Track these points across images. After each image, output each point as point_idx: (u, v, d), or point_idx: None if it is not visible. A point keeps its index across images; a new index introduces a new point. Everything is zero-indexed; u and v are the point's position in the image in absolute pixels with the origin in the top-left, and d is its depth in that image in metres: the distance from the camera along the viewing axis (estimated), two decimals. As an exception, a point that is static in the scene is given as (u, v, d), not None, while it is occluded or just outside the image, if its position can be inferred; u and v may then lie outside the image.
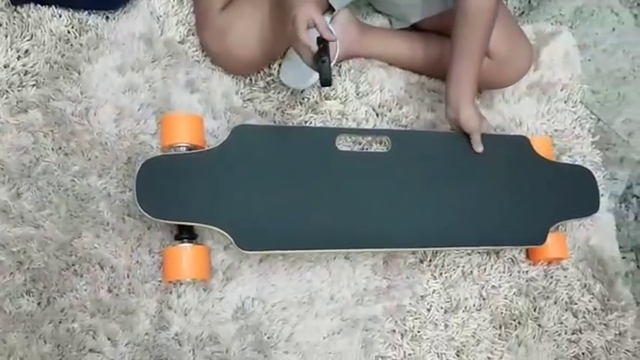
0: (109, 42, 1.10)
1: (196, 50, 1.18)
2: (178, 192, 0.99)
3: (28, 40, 1.05)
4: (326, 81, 0.97)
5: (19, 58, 1.05)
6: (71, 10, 1.09)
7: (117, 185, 1.05)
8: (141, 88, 1.11)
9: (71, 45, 1.08)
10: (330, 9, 1.23)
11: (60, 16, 1.08)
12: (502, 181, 1.20)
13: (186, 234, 1.02)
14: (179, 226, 1.03)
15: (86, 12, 1.10)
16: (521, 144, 1.24)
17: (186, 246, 1.01)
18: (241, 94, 1.19)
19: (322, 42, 0.98)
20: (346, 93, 1.25)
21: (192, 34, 1.18)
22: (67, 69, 1.07)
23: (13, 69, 1.03)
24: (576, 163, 1.35)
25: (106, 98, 1.08)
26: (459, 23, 1.10)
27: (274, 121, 1.20)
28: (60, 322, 0.95)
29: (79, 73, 1.07)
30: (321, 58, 0.96)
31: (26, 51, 1.05)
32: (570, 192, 1.26)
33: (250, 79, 1.20)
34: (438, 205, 1.14)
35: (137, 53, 1.12)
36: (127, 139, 1.07)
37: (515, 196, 1.20)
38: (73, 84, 1.06)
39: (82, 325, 0.96)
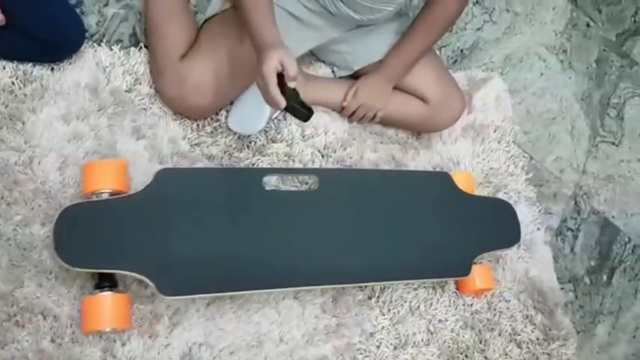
0: (54, 92, 1.08)
1: (143, 98, 1.16)
2: (97, 239, 0.95)
3: (-30, 92, 1.04)
4: (306, 117, 0.97)
5: (-39, 108, 1.03)
6: (15, 62, 1.07)
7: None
8: (86, 136, 1.09)
9: (15, 95, 1.05)
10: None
11: (4, 68, 1.06)
12: (427, 216, 1.21)
13: (107, 282, 0.96)
14: (99, 274, 0.97)
15: (31, 63, 1.08)
16: (443, 179, 1.26)
17: (106, 294, 0.95)
18: (188, 139, 1.18)
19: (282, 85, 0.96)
20: (292, 136, 1.26)
21: (140, 83, 1.17)
22: (11, 119, 1.04)
23: (-46, 120, 1.01)
24: (511, 198, 1.38)
25: (50, 147, 1.05)
26: (424, 19, 1.21)
27: (221, 165, 1.19)
28: None
29: (23, 123, 1.04)
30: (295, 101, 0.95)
31: (-32, 105, 1.03)
32: (492, 224, 1.28)
33: (197, 124, 1.19)
34: (365, 241, 1.14)
35: (82, 102, 1.10)
36: (71, 186, 1.04)
37: (440, 230, 1.21)
38: (16, 134, 1.03)
39: None
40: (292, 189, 1.18)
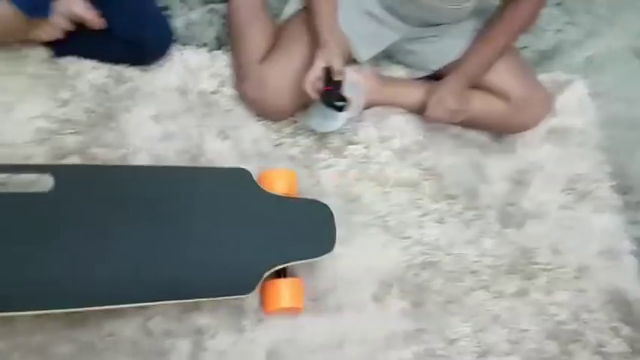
0: (145, 93, 1.12)
1: (228, 100, 1.19)
2: None
3: (68, 91, 1.07)
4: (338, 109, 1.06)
5: (58, 107, 1.06)
6: (110, 63, 1.11)
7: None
8: (175, 135, 1.12)
9: (110, 95, 1.10)
10: (353, 62, 1.26)
11: (99, 68, 1.10)
12: (209, 221, 0.98)
13: None
14: None
15: (124, 65, 1.12)
16: (241, 177, 1.05)
17: None
18: (271, 139, 1.20)
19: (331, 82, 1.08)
20: (369, 138, 1.25)
21: (224, 86, 1.19)
22: (106, 118, 1.08)
23: (53, 117, 1.05)
24: (596, 207, 1.30)
25: (142, 146, 1.08)
26: (502, 18, 1.17)
27: (305, 166, 1.21)
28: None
29: (117, 121, 1.08)
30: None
31: (66, 101, 1.07)
32: (298, 230, 1.06)
33: (278, 126, 1.21)
34: (120, 252, 0.91)
35: (172, 103, 1.14)
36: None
37: (226, 236, 0.98)
38: (110, 132, 1.07)
39: (116, 368, 0.94)
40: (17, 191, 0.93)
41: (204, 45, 1.22)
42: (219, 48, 1.23)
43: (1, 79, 1.02)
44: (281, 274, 1.03)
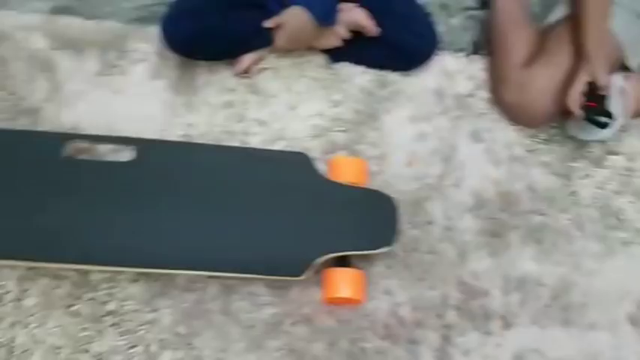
0: (405, 95, 1.18)
1: (482, 104, 1.20)
2: None
3: (339, 93, 1.18)
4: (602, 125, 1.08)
5: (331, 107, 1.17)
6: (375, 69, 1.19)
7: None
8: (430, 136, 1.16)
9: (375, 97, 1.18)
10: (623, 68, 1.19)
11: (366, 73, 1.19)
12: (270, 202, 0.99)
13: None
14: None
15: (388, 71, 1.19)
16: (300, 162, 1.03)
17: None
18: (524, 145, 1.18)
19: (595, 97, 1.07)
20: (634, 150, 1.18)
21: (480, 89, 1.21)
22: (370, 118, 1.17)
23: (327, 116, 1.17)
24: None
25: (400, 144, 1.15)
26: None
27: (556, 174, 1.17)
28: (355, 341, 1.00)
29: (380, 121, 1.16)
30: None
31: (338, 101, 1.17)
32: (359, 221, 1.01)
33: (533, 131, 1.19)
34: (184, 222, 0.97)
35: (428, 105, 1.18)
36: (417, 182, 1.12)
37: (284, 219, 0.98)
38: (374, 131, 1.16)
39: (374, 346, 1.00)
40: (101, 159, 1.04)
41: (461, 50, 1.25)
42: (475, 52, 1.25)
43: (288, 81, 1.17)
44: (342, 263, 1.00)
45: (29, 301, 0.97)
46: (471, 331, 1.03)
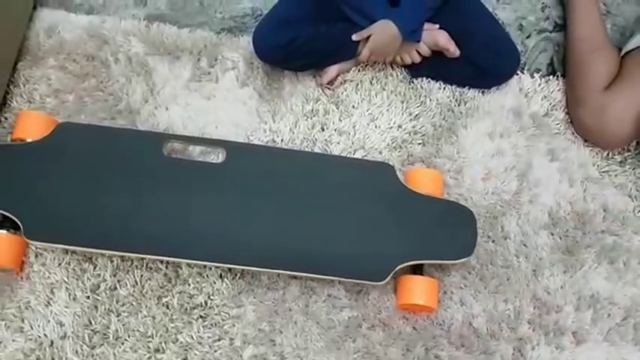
0: (483, 112, 1.20)
1: (558, 123, 1.21)
2: None
3: (418, 107, 1.21)
4: None
5: (410, 120, 1.21)
6: (454, 85, 1.22)
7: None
8: (507, 152, 1.17)
9: (453, 112, 1.20)
10: None
11: (445, 89, 1.22)
12: (354, 209, 1.03)
13: (7, 223, 1.00)
14: (3, 215, 1.00)
15: (466, 87, 1.22)
16: (384, 172, 1.07)
17: (1, 233, 0.99)
18: (598, 165, 1.19)
19: None
20: None
21: (556, 109, 1.22)
22: (448, 132, 1.19)
23: (405, 129, 1.20)
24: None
25: (477, 159, 1.16)
26: None
27: (630, 196, 1.18)
28: (430, 349, 1.03)
29: (457, 136, 1.18)
30: None
31: (417, 115, 1.21)
32: (439, 231, 1.04)
33: (607, 153, 1.19)
34: (270, 224, 1.01)
35: (506, 123, 1.20)
36: (493, 197, 1.14)
37: (367, 227, 1.02)
38: (451, 145, 1.17)
39: (448, 354, 1.02)
40: (195, 159, 1.10)
41: (538, 70, 1.27)
42: (551, 74, 1.27)
43: (369, 93, 1.19)
44: (417, 271, 1.03)
45: (123, 291, 1.02)
46: (543, 346, 1.04)
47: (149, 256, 1.02)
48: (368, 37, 1.14)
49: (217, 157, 1.09)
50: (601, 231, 1.13)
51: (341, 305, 1.04)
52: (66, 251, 1.04)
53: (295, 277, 1.05)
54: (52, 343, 0.98)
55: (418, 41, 1.14)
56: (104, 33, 1.20)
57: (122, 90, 1.17)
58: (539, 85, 1.24)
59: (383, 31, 1.12)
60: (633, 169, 1.19)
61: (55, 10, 1.22)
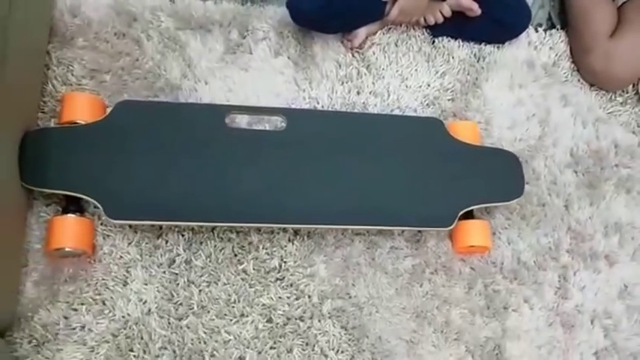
0: (501, 65, 1.27)
1: (565, 72, 1.31)
2: (53, 163, 0.96)
3: (442, 65, 1.26)
4: None
5: (437, 78, 1.24)
6: (472, 42, 1.28)
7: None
8: (526, 101, 1.26)
9: (475, 68, 1.26)
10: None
11: (463, 46, 1.28)
12: (411, 162, 1.09)
13: (73, 206, 0.99)
14: (67, 198, 0.99)
15: (482, 43, 1.28)
16: (434, 126, 1.13)
17: (71, 217, 0.98)
18: (604, 107, 1.30)
19: None
20: (696, 110, 1.32)
21: (562, 59, 1.31)
22: (473, 86, 1.25)
23: (434, 87, 1.25)
24: None
25: (499, 110, 1.24)
26: None
27: (634, 132, 1.30)
28: (489, 285, 1.10)
29: (481, 90, 1.25)
30: None
31: (443, 73, 1.26)
32: (489, 175, 1.12)
33: (611, 96, 1.31)
34: (337, 183, 1.05)
35: (521, 74, 1.28)
36: (521, 143, 1.22)
37: (426, 177, 1.08)
38: (477, 99, 1.25)
39: (505, 287, 1.11)
40: (258, 128, 1.12)
41: (540, 25, 1.35)
42: (551, 27, 1.36)
43: (397, 55, 1.23)
44: (468, 216, 1.10)
45: (199, 262, 1.03)
46: (583, 270, 1.15)
47: (225, 224, 1.03)
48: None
49: (269, 125, 1.11)
50: (615, 165, 1.25)
51: (404, 255, 1.10)
52: (135, 230, 1.03)
53: (359, 234, 1.10)
54: (137, 320, 0.98)
55: (444, 0, 1.20)
56: (131, 9, 1.16)
57: (159, 67, 1.14)
58: (544, 37, 1.33)
59: (412, -8, 1.17)
60: (633, 107, 1.31)
61: (74, -12, 1.18)
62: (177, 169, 1.00)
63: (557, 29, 1.35)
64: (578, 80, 1.31)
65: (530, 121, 1.25)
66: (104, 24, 1.15)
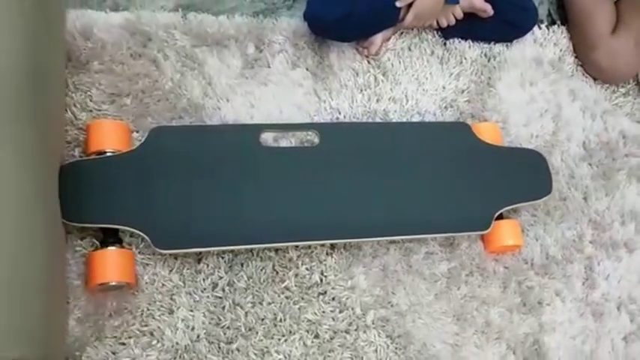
0: (511, 64, 1.29)
1: (570, 67, 1.33)
2: (93, 196, 0.93)
3: (455, 67, 1.27)
4: None
5: (452, 80, 1.25)
6: (481, 42, 1.29)
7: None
8: (537, 98, 1.28)
9: (487, 67, 1.27)
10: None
11: (473, 47, 1.28)
12: (443, 168, 1.10)
13: (111, 238, 0.96)
14: (104, 231, 0.96)
15: (492, 43, 1.29)
16: (462, 130, 1.14)
17: (111, 250, 0.94)
18: (609, 99, 1.34)
19: None
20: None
21: (566, 55, 1.34)
22: (487, 86, 1.26)
23: (449, 89, 1.25)
24: None
25: (515, 109, 1.26)
26: None
27: (638, 122, 1.34)
28: (522, 282, 1.12)
29: (495, 89, 1.26)
30: None
31: (457, 75, 1.26)
32: (518, 175, 1.14)
33: (614, 88, 1.35)
34: (373, 194, 1.05)
35: (531, 71, 1.30)
36: (537, 139, 1.24)
37: (458, 182, 1.09)
38: (492, 98, 1.25)
39: (537, 283, 1.13)
40: (293, 145, 1.11)
41: (541, 22, 1.37)
42: (553, 23, 1.38)
43: (411, 60, 1.23)
44: (498, 217, 1.10)
45: (242, 284, 1.01)
46: (606, 260, 1.19)
47: (269, 245, 1.01)
48: (410, 4, 1.18)
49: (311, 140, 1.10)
50: (625, 155, 1.29)
51: (439, 259, 1.11)
52: (174, 256, 1.00)
53: (394, 242, 1.10)
54: (186, 348, 0.97)
55: (457, 3, 1.20)
56: (145, 29, 1.13)
57: (179, 87, 1.11)
58: (548, 34, 1.35)
59: (427, -4, 1.17)
60: (634, 98, 1.36)
61: (80, 9, 1.12)
62: (216, 193, 0.98)
63: (558, 25, 1.37)
64: (583, 74, 1.34)
65: (544, 117, 1.27)
66: (118, 45, 1.11)
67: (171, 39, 1.13)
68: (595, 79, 1.34)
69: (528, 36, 1.32)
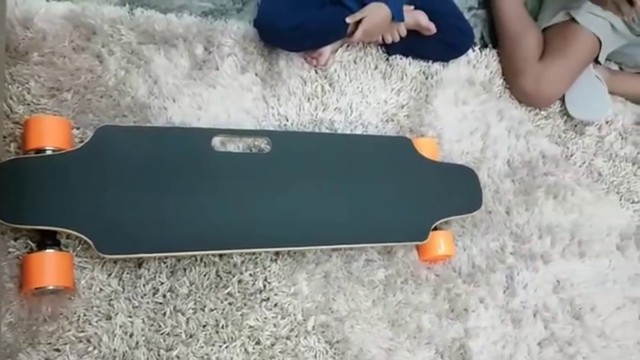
0: (447, 82, 1.33)
1: (499, 88, 1.40)
2: (34, 196, 0.87)
3: (397, 82, 1.28)
4: None
5: (394, 95, 1.27)
6: (420, 60, 1.32)
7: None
8: (468, 117, 1.33)
9: (425, 85, 1.31)
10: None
11: (413, 64, 1.31)
12: (385, 180, 1.12)
13: (49, 240, 0.90)
14: (42, 232, 0.90)
15: (430, 62, 1.33)
16: (404, 145, 1.17)
17: (49, 253, 0.89)
18: (532, 120, 1.41)
19: None
20: (599, 123, 1.48)
21: (496, 76, 1.40)
22: (425, 103, 1.30)
23: (391, 103, 1.26)
24: None
25: (447, 126, 1.30)
26: None
27: (556, 143, 1.43)
28: (451, 289, 1.16)
29: (432, 106, 1.30)
30: None
31: (398, 90, 1.28)
32: (453, 190, 1.18)
33: (536, 111, 1.41)
34: (319, 203, 1.05)
35: (464, 90, 1.34)
36: (467, 155, 1.29)
37: (398, 195, 1.12)
38: (429, 114, 1.29)
39: (464, 290, 1.17)
40: (244, 151, 1.09)
41: (475, 44, 1.43)
42: (485, 46, 1.44)
43: (356, 72, 1.24)
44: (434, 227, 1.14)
45: (184, 290, 0.98)
46: (524, 270, 1.25)
47: (216, 251, 0.98)
48: (359, 20, 1.19)
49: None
50: (544, 173, 1.37)
51: (377, 266, 1.12)
52: (114, 261, 0.95)
53: (336, 249, 1.10)
54: (124, 355, 0.92)
55: (403, 21, 1.22)
56: (89, 22, 1.05)
57: (124, 84, 1.05)
58: (480, 56, 1.41)
59: (377, 13, 1.17)
60: (555, 121, 1.44)
61: (21, -4, 1.04)
62: (165, 198, 0.94)
63: (490, 48, 1.44)
64: (510, 96, 1.41)
65: (474, 135, 1.32)
66: (61, 37, 1.03)
67: (117, 34, 1.07)
68: (521, 102, 1.42)
69: (463, 57, 1.38)
